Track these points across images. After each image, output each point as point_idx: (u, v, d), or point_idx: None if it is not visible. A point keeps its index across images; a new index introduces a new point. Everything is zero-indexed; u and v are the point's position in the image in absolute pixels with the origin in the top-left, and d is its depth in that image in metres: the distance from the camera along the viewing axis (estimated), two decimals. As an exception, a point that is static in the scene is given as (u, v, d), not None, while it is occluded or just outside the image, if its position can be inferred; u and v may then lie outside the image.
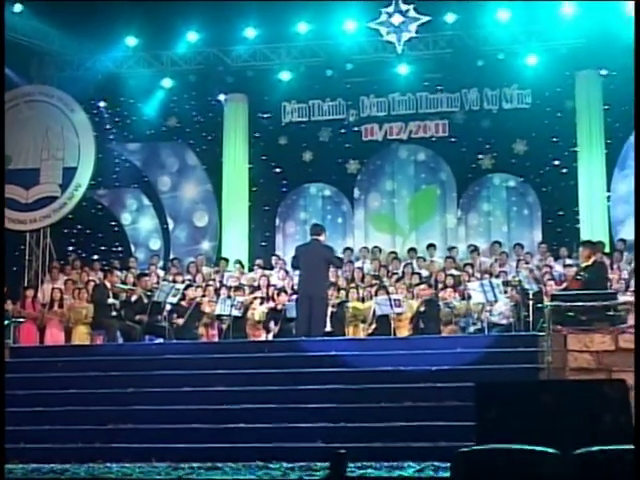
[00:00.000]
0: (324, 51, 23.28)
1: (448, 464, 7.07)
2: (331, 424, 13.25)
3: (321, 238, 17.52)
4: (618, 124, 22.71)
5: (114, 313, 18.67)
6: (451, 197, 23.93)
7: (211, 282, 20.51)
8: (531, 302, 17.65)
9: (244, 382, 14.65)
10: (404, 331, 18.25)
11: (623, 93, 22.18)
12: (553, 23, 21.96)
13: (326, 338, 16.71)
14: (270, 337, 18.76)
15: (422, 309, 18.32)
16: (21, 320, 18.11)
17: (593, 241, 17.94)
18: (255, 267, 21.76)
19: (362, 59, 23.38)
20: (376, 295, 18.74)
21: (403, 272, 20.41)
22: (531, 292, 17.94)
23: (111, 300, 18.68)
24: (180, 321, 18.64)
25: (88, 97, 23.66)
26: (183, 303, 18.84)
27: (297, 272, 18.03)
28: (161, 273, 21.60)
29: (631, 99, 22.26)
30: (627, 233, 22.29)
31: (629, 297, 17.21)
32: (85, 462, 11.74)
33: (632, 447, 6.82)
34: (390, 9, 21.09)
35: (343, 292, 19.19)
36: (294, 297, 18.01)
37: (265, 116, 24.54)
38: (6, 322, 16.56)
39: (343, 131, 24.29)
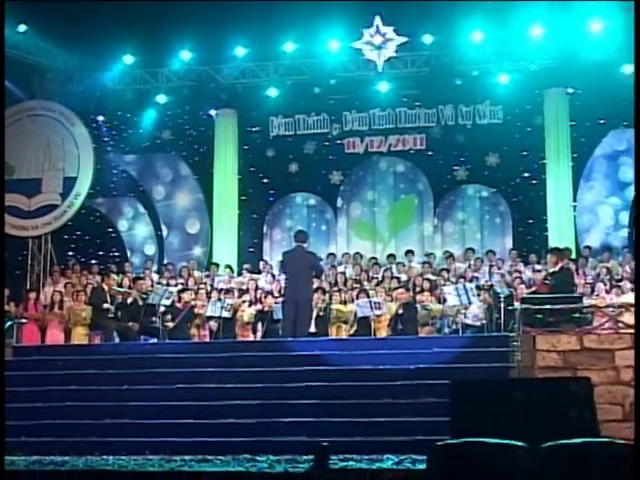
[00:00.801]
0: (309, 69, 23.31)
1: (424, 457, 7.07)
2: (315, 419, 13.26)
3: (305, 244, 17.57)
4: (584, 139, 22.84)
5: (111, 315, 18.67)
6: (428, 206, 23.96)
7: (202, 285, 20.49)
8: (502, 305, 17.72)
9: (233, 380, 14.64)
10: (384, 332, 18.26)
11: (588, 110, 22.41)
12: (523, 45, 22.05)
13: (310, 338, 16.71)
14: (258, 337, 18.77)
15: (400, 311, 18.32)
16: (23, 321, 18.06)
17: (560, 248, 17.98)
18: (244, 271, 21.74)
19: (345, 77, 23.42)
20: (357, 298, 18.77)
21: (383, 276, 20.43)
22: (502, 295, 18.01)
23: (106, 305, 18.67)
24: (173, 322, 18.65)
25: (87, 111, 23.67)
26: (176, 305, 18.83)
27: (282, 275, 18.07)
28: (155, 277, 21.61)
29: (595, 116, 22.54)
30: (592, 240, 22.44)
31: (594, 300, 17.30)
32: (83, 454, 11.73)
33: (596, 440, 6.86)
34: (371, 30, 21.21)
35: (327, 295, 19.19)
36: (280, 300, 17.98)
37: (254, 130, 24.54)
38: (9, 323, 16.52)
39: (327, 144, 24.31)
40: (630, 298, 17.43)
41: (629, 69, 21.96)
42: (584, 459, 6.60)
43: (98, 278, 20.88)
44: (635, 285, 16.11)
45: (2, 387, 11.24)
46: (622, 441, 7.08)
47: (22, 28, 21.66)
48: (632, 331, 14.14)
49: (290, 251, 17.68)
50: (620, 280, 18.82)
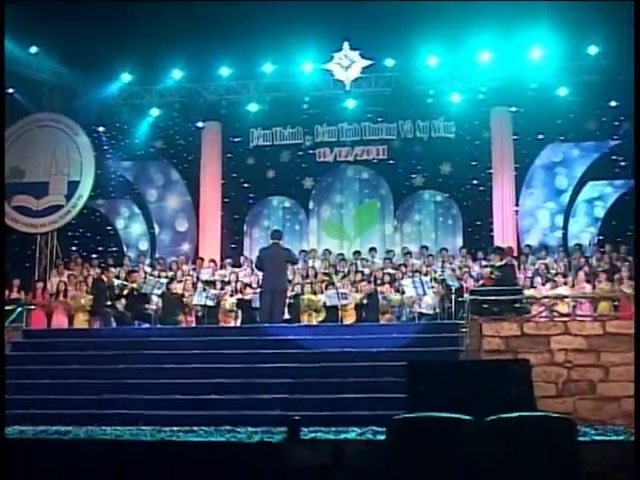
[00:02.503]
0: (286, 87, 23.29)
1: (384, 429, 7.11)
2: (288, 395, 13.28)
3: (280, 242, 17.58)
4: (525, 151, 22.97)
5: (109, 302, 18.61)
6: (389, 209, 23.97)
7: (189, 277, 20.44)
8: (453, 296, 17.78)
9: (216, 360, 14.64)
10: (349, 319, 18.26)
11: (529, 126, 22.59)
12: (472, 68, 22.09)
13: (285, 325, 16.74)
14: (238, 323, 18.76)
15: (364, 301, 18.38)
16: (32, 307, 17.97)
17: (504, 247, 18.10)
18: (226, 265, 21.71)
19: (317, 94, 23.41)
20: (326, 289, 18.80)
21: (349, 270, 20.39)
22: (453, 288, 18.05)
23: (104, 294, 18.60)
24: (163, 310, 18.63)
25: (90, 123, 23.52)
26: (167, 294, 18.80)
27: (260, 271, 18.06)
28: (148, 269, 21.51)
29: (534, 131, 22.71)
30: (531, 240, 22.54)
31: (532, 292, 17.40)
32: (84, 425, 11.70)
33: (533, 414, 6.93)
34: (340, 54, 21.25)
35: (299, 287, 19.20)
36: (258, 290, 17.98)
37: (236, 140, 24.47)
38: (20, 309, 16.44)
39: (300, 153, 24.27)
40: (563, 290, 17.60)
41: (564, 91, 22.14)
42: (523, 430, 6.66)
43: (98, 270, 20.80)
44: (635, 283, 15.84)
45: (2, 367, 11.18)
46: (555, 414, 7.17)
47: (34, 50, 21.60)
48: (565, 319, 14.33)
49: (267, 248, 17.67)
50: (555, 275, 18.91)
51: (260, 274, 18.18)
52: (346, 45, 21.27)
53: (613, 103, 22.14)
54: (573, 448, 6.65)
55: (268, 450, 7.94)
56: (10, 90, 22.16)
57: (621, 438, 7.99)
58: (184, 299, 19.17)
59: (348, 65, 21.71)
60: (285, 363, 14.27)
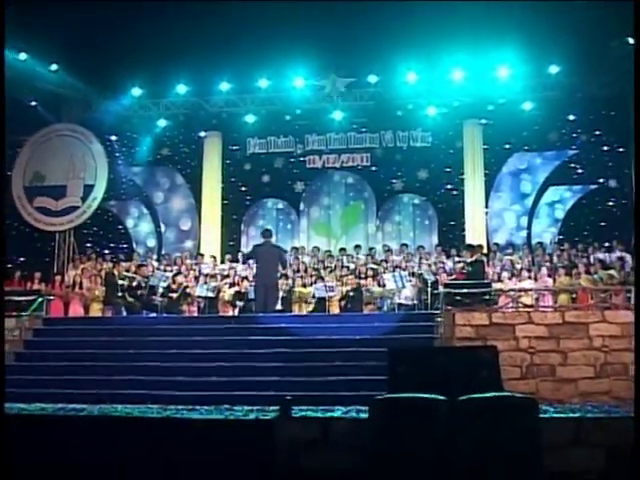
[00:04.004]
0: (279, 100, 23.32)
1: (367, 408, 7.13)
2: (280, 378, 13.27)
3: (272, 239, 17.57)
4: (493, 159, 23.03)
5: (120, 293, 18.58)
6: (372, 210, 24.00)
7: (192, 271, 20.44)
8: (429, 289, 17.77)
9: (216, 346, 14.62)
10: (335, 309, 18.29)
11: (497, 137, 22.67)
12: (447, 84, 22.12)
13: (277, 314, 16.73)
14: (236, 313, 18.74)
15: (349, 293, 18.39)
16: (51, 298, 17.91)
17: (474, 244, 18.12)
18: (225, 260, 21.72)
19: (307, 107, 23.45)
20: (315, 282, 18.80)
21: (335, 265, 20.44)
22: (429, 281, 18.04)
23: (116, 286, 18.57)
24: (168, 300, 18.60)
25: (103, 132, 23.52)
26: (172, 287, 18.77)
27: (254, 264, 18.03)
28: (155, 264, 21.50)
29: (502, 141, 22.78)
30: (499, 238, 22.62)
31: (500, 285, 17.43)
32: (98, 403, 11.66)
33: (500, 394, 6.96)
34: (329, 72, 21.33)
35: (290, 280, 19.20)
36: (254, 283, 17.98)
37: (234, 148, 24.47)
38: (40, 299, 16.38)
39: (292, 160, 24.27)
40: (527, 284, 17.65)
41: (528, 106, 22.25)
42: (491, 408, 6.70)
43: (110, 265, 20.81)
44: (635, 281, 15.74)
45: (2, 349, 11.14)
46: (519, 394, 7.20)
47: (54, 67, 21.55)
48: (529, 309, 14.38)
49: (260, 245, 17.56)
50: (520, 270, 18.96)
51: (254, 268, 18.16)
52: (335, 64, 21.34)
53: (572, 117, 22.38)
54: (535, 424, 6.70)
55: (263, 426, 7.95)
56: (33, 103, 22.31)
57: (577, 415, 8.03)
58: (187, 290, 19.14)
59: (336, 81, 21.85)
60: (278, 349, 14.26)
